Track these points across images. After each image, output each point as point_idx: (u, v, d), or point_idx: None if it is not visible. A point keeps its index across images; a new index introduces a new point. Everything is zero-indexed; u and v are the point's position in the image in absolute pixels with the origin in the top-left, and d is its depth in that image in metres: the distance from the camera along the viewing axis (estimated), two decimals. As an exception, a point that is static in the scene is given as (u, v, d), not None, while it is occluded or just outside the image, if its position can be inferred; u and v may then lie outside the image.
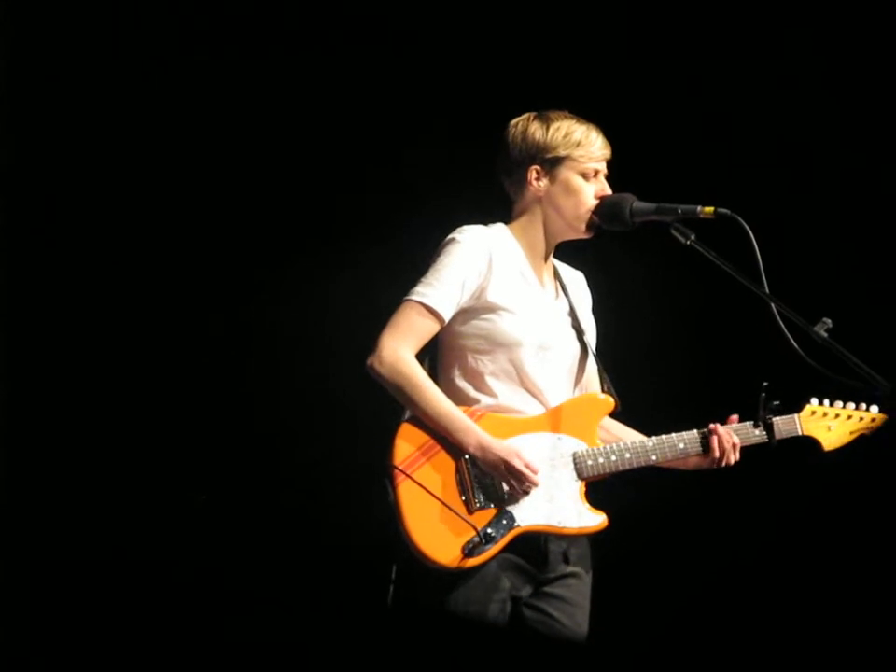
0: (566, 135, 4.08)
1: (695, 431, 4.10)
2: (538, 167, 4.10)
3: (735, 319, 5.06)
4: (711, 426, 4.11)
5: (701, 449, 4.09)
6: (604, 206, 4.08)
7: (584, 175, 4.10)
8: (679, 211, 4.04)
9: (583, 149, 4.08)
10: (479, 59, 5.31)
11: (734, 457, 4.10)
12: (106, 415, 5.11)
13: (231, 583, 5.03)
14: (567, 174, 4.09)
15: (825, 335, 3.84)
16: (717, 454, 4.08)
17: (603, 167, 4.11)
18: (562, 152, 4.08)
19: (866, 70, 5.36)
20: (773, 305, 3.89)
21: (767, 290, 3.91)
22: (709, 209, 4.01)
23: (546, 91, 4.41)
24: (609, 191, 4.10)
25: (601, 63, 5.33)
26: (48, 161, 5.04)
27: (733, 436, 4.09)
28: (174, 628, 4.78)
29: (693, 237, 4.01)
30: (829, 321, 3.87)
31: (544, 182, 4.10)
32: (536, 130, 4.10)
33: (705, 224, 4.02)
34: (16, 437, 4.98)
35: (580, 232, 4.12)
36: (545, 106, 4.15)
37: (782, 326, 3.88)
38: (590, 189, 4.10)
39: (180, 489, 5.13)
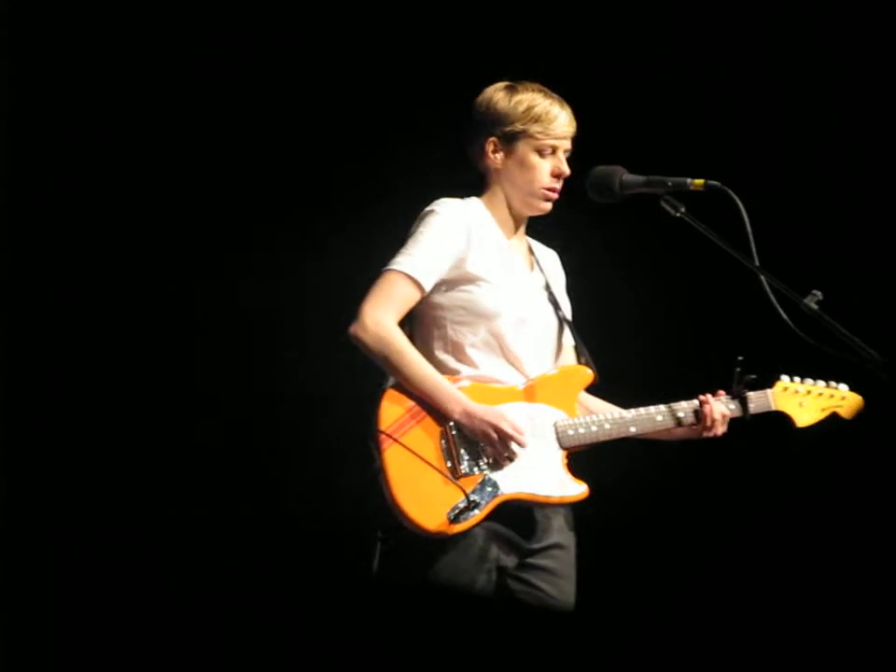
0: (526, 109, 4.05)
1: (672, 405, 4.12)
2: (495, 139, 4.08)
3: (724, 292, 5.06)
4: (701, 397, 4.13)
5: (676, 423, 4.11)
6: (594, 178, 4.06)
7: (540, 152, 4.06)
8: (669, 183, 4.02)
9: (541, 126, 4.04)
10: (453, 38, 5.28)
11: (721, 429, 4.12)
12: (104, 410, 5.11)
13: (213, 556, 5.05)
14: (523, 149, 4.06)
15: (815, 307, 3.84)
16: (706, 422, 4.10)
17: (564, 144, 4.08)
18: (519, 127, 4.05)
19: (855, 37, 5.37)
20: (763, 278, 3.88)
21: (757, 263, 3.91)
22: (699, 181, 4.00)
23: (529, 65, 4.36)
24: (565, 169, 4.07)
25: (592, 36, 5.33)
26: (46, 160, 5.05)
27: (715, 409, 4.10)
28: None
29: (683, 209, 4.00)
30: (819, 293, 3.85)
31: (500, 155, 4.08)
32: (500, 100, 4.07)
33: (695, 197, 4.02)
34: (16, 437, 4.99)
35: (535, 209, 4.11)
36: (526, 79, 4.12)
37: (772, 298, 3.87)
38: (545, 166, 4.07)
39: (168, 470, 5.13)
